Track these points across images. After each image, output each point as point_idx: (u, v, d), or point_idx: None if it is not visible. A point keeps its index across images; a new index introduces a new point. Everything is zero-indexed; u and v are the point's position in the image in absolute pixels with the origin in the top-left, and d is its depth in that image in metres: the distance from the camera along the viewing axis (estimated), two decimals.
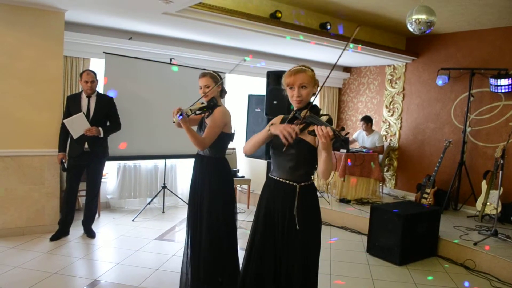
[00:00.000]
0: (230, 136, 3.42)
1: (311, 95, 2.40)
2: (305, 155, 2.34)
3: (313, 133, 2.12)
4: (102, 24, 5.77)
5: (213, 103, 3.29)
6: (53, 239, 4.75)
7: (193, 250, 3.33)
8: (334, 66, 2.30)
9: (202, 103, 3.32)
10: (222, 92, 3.51)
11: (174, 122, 3.10)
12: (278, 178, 2.42)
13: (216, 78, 3.35)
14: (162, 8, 4.66)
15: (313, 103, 2.36)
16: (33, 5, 4.71)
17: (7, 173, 4.76)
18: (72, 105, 4.79)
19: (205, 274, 3.25)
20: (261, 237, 2.43)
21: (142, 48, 6.20)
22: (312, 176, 2.45)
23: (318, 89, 2.42)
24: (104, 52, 5.42)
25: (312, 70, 2.42)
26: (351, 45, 6.32)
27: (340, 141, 2.05)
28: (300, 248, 2.37)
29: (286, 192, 2.38)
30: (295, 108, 2.39)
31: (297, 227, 2.33)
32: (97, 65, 5.87)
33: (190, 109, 3.15)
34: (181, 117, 3.01)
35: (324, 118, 2.20)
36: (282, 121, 2.49)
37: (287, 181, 2.38)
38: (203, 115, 3.36)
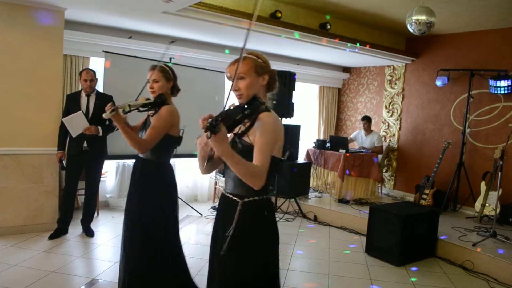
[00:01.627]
0: (176, 140, 3.06)
1: (257, 87, 1.98)
2: (248, 159, 1.85)
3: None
4: (102, 22, 5.76)
5: (160, 100, 2.90)
6: (51, 237, 4.74)
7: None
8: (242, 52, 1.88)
9: (148, 99, 2.93)
10: (174, 89, 3.11)
11: (104, 117, 2.74)
12: (224, 191, 2.08)
13: (167, 73, 3.01)
14: (162, 7, 4.65)
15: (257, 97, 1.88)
16: (33, 3, 4.70)
17: (6, 171, 4.75)
18: (71, 104, 4.78)
19: None
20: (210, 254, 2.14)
21: (142, 47, 6.20)
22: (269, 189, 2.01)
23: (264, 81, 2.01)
24: (103, 51, 5.42)
25: (259, 58, 2.02)
26: (348, 44, 6.33)
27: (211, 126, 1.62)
28: (224, 277, 1.95)
29: (227, 209, 1.99)
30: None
31: (222, 252, 1.90)
32: (97, 64, 5.86)
33: (129, 105, 2.76)
34: (113, 112, 2.65)
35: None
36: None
37: (230, 195, 2.00)
38: (149, 113, 3.00)
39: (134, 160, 3.15)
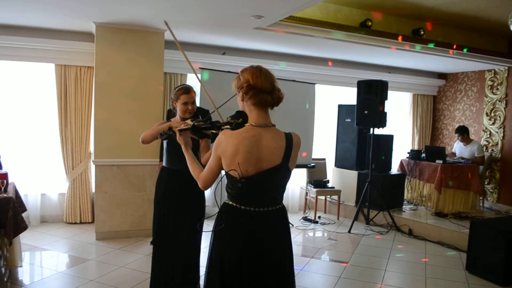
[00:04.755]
0: None
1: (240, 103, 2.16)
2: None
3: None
4: (198, 41, 6.11)
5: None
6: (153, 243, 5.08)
7: None
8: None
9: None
10: None
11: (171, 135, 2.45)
12: None
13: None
14: (254, 23, 4.83)
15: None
16: (137, 26, 5.14)
17: (115, 180, 5.22)
18: (172, 117, 5.10)
19: None
20: None
21: (235, 62, 6.45)
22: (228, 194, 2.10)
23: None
24: (200, 68, 5.73)
25: (240, 75, 2.12)
26: (431, 44, 6.06)
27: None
28: None
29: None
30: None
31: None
32: (191, 80, 6.23)
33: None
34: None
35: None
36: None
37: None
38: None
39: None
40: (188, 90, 3.22)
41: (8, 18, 4.97)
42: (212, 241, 2.13)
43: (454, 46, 6.22)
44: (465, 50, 6.40)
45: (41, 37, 5.34)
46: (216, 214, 2.12)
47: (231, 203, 2.07)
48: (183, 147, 2.29)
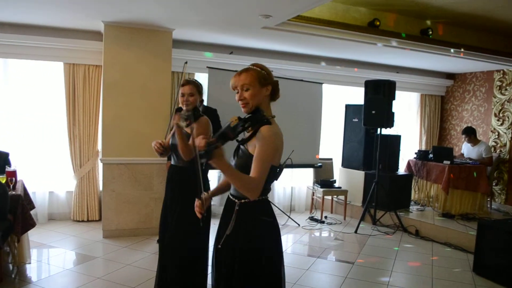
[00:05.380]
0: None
1: (261, 97, 2.08)
2: (246, 166, 2.01)
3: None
4: (205, 40, 6.13)
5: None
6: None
7: None
8: None
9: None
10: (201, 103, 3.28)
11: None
12: (229, 194, 2.19)
13: (199, 87, 3.27)
14: (262, 23, 4.83)
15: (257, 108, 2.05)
16: (146, 26, 5.16)
17: (122, 179, 5.25)
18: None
19: None
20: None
21: (242, 61, 6.44)
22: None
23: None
24: (207, 67, 5.74)
25: (262, 69, 2.11)
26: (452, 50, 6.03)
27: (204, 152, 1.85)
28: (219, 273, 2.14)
29: (227, 209, 2.16)
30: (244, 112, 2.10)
31: (219, 246, 2.12)
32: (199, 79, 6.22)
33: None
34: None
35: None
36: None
37: (230, 196, 2.15)
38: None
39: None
40: (184, 83, 3.25)
41: (17, 17, 5.01)
42: (258, 234, 2.07)
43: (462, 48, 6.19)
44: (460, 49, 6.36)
45: (50, 36, 5.38)
46: (255, 208, 2.07)
47: (264, 197, 2.10)
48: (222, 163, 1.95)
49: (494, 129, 7.69)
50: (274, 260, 2.10)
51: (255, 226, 2.06)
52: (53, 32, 5.42)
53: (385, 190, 6.24)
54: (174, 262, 3.17)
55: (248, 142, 2.05)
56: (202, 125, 3.19)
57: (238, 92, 2.08)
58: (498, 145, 7.60)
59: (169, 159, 5.07)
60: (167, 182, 3.43)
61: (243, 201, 2.05)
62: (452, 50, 6.15)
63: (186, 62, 3.96)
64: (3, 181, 3.89)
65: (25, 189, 4.29)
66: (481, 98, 8.02)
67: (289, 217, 6.47)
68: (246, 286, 2.03)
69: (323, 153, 6.96)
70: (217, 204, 6.28)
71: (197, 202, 2.09)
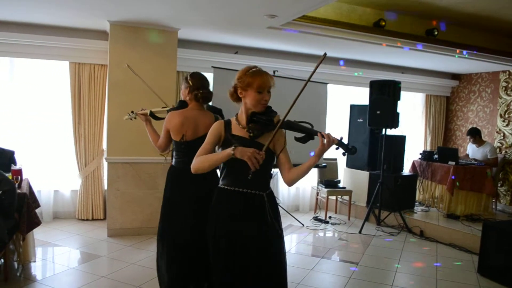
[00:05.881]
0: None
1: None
2: (269, 163, 2.29)
3: (301, 140, 2.25)
4: (210, 40, 6.13)
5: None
6: None
7: None
8: None
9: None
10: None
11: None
12: (241, 190, 2.25)
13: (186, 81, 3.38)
14: (267, 23, 4.84)
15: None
16: (151, 25, 5.17)
17: (127, 178, 5.26)
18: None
19: None
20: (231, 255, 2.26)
21: (247, 61, 6.45)
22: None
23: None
24: (212, 67, 5.74)
25: None
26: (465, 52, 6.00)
27: (345, 146, 2.20)
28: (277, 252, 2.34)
29: (248, 204, 2.25)
30: (258, 111, 2.31)
31: (279, 231, 2.34)
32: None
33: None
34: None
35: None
36: (227, 126, 2.41)
37: (249, 191, 2.25)
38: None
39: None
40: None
41: (23, 16, 5.04)
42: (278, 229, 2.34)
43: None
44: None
45: (56, 35, 5.41)
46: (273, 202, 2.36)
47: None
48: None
49: (500, 130, 7.65)
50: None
51: (277, 210, 2.38)
52: (59, 31, 5.45)
53: (389, 190, 6.23)
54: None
55: (263, 138, 2.28)
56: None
57: (260, 92, 2.25)
58: (504, 146, 7.56)
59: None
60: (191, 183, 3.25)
61: (267, 192, 2.30)
62: (458, 52, 6.13)
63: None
64: None
65: (30, 188, 4.31)
66: (487, 99, 7.98)
67: (293, 217, 6.47)
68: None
69: (327, 153, 6.91)
70: None
71: (261, 154, 2.09)
